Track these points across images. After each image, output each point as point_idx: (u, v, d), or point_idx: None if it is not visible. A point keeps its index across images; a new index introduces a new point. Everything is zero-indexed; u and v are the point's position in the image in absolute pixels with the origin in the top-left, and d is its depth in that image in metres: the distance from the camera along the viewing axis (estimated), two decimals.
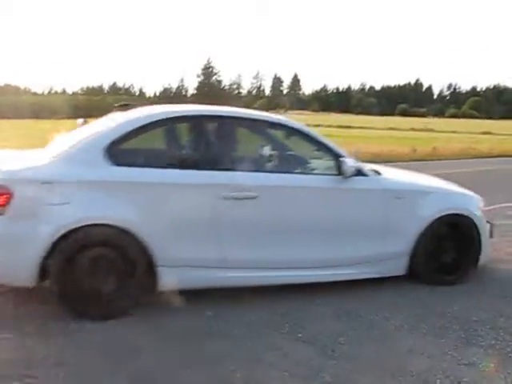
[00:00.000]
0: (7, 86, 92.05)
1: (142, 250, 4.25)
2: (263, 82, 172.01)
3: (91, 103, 70.08)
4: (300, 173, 5.01)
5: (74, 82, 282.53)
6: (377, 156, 16.65)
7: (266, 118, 5.21)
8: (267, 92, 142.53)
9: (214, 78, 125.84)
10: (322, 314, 4.45)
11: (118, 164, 4.32)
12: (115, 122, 4.70)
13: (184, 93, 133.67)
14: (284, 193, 4.73)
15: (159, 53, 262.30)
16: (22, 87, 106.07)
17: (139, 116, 4.75)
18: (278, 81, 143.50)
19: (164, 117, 4.82)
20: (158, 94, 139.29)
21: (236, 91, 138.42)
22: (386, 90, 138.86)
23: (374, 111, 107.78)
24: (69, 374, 3.36)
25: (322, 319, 4.36)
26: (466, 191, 5.79)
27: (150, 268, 4.31)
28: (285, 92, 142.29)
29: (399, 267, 5.15)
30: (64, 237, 4.05)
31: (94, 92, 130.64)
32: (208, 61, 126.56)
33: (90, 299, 4.17)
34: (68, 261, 4.08)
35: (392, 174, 5.62)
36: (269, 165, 5.12)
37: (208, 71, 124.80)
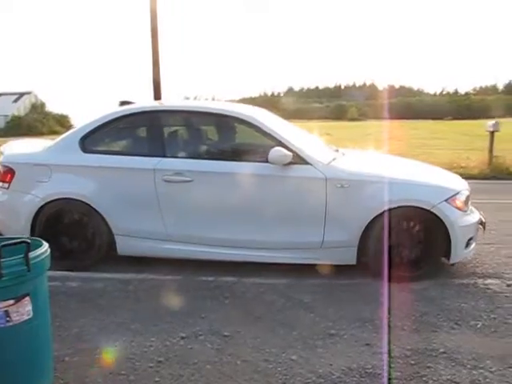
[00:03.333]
0: (401, 87, 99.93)
1: (102, 221, 5.38)
2: None
3: (484, 103, 69.89)
4: (236, 160, 5.33)
5: (467, 82, 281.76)
6: None
7: (213, 110, 5.73)
8: None
9: None
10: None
11: (88, 152, 5.50)
12: (92, 118, 5.73)
13: None
14: (216, 178, 5.25)
15: None
16: (415, 88, 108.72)
17: (107, 112, 5.71)
18: None
19: (124, 113, 5.71)
20: None
21: None
22: None
23: None
24: None
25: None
26: (440, 183, 5.43)
27: (110, 235, 5.42)
28: None
29: (346, 257, 5.17)
30: (46, 205, 5.40)
31: (488, 91, 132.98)
32: None
33: (63, 254, 5.35)
34: (47, 222, 5.43)
35: (349, 161, 5.68)
36: (207, 152, 5.87)
37: None
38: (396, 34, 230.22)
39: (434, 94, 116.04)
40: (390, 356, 3.66)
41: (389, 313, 4.34)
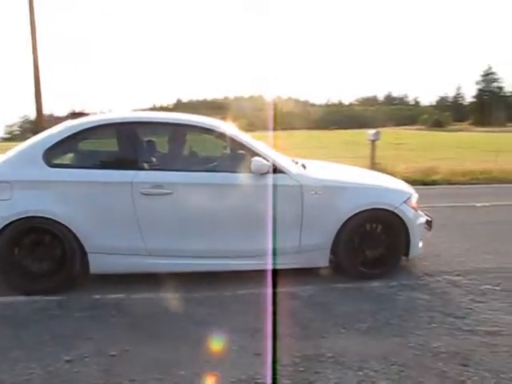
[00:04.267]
0: (289, 99, 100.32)
1: (73, 239, 5.00)
2: None
3: (366, 113, 69.33)
4: (215, 171, 5.41)
5: (350, 93, 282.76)
6: None
7: (189, 122, 5.66)
8: None
9: (494, 85, 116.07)
10: None
11: (54, 166, 5.09)
12: (55, 130, 5.40)
13: (461, 101, 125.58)
14: (196, 189, 5.22)
15: (435, 61, 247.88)
16: (302, 99, 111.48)
17: (72, 124, 5.38)
18: None
19: (92, 125, 5.41)
20: (433, 103, 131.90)
21: None
22: None
23: None
24: None
25: None
26: (397, 186, 6.07)
27: (83, 254, 5.07)
28: None
29: (320, 259, 5.48)
30: (8, 225, 4.91)
31: (369, 102, 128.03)
32: (488, 67, 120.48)
33: (30, 278, 5.06)
34: (11, 245, 4.97)
35: (315, 170, 5.90)
36: (186, 164, 5.66)
37: (488, 78, 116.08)
38: (283, 46, 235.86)
39: (320, 105, 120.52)
40: (279, 364, 3.68)
41: (278, 321, 4.36)
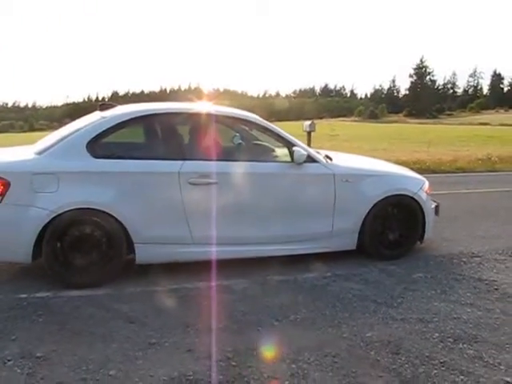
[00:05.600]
0: (226, 91, 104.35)
1: (121, 230, 4.96)
2: (481, 81, 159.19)
3: (303, 105, 67.70)
4: (257, 161, 5.60)
5: (287, 85, 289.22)
6: None
7: (234, 115, 5.96)
8: (485, 90, 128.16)
9: (427, 77, 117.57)
10: None
11: (99, 157, 5.02)
12: (95, 120, 5.32)
13: (395, 93, 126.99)
14: (240, 179, 5.36)
15: (371, 53, 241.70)
16: (240, 91, 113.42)
17: (115, 115, 5.36)
18: (497, 78, 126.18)
19: (136, 115, 5.47)
20: (369, 95, 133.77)
21: (451, 91, 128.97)
22: None
23: None
24: None
25: None
26: (412, 174, 6.70)
27: (130, 244, 5.05)
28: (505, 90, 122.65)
29: (349, 243, 5.83)
30: (56, 218, 4.78)
31: (307, 94, 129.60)
32: (421, 60, 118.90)
33: (76, 271, 4.96)
34: (58, 237, 4.84)
35: (342, 160, 6.26)
36: (230, 154, 5.74)
37: (421, 71, 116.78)
38: (221, 38, 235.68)
39: (258, 97, 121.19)
40: (211, 360, 3.61)
41: (211, 316, 4.30)
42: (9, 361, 3.59)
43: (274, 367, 3.53)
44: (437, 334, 4.04)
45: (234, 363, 3.57)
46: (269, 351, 3.75)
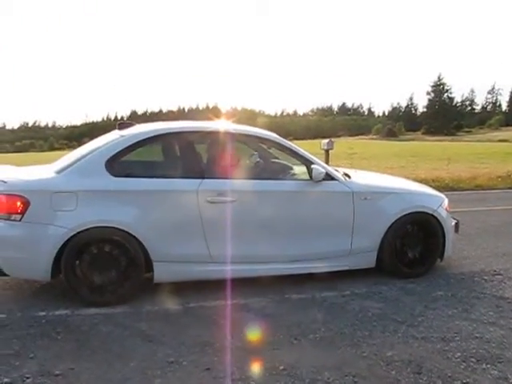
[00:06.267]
0: (244, 109, 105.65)
1: (140, 248, 4.96)
2: (499, 97, 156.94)
3: (321, 124, 69.33)
4: (275, 179, 5.70)
5: (305, 104, 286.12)
6: None
7: (252, 133, 5.96)
8: (504, 107, 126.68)
9: (445, 95, 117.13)
10: None
11: (118, 175, 5.05)
12: (114, 139, 5.34)
13: (413, 111, 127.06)
14: (259, 197, 5.36)
15: (388, 71, 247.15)
16: (257, 110, 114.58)
17: (133, 134, 5.39)
18: None
19: (154, 134, 5.48)
20: (386, 113, 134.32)
21: (469, 108, 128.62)
22: None
23: None
24: None
25: None
26: (431, 191, 6.63)
27: (148, 263, 5.04)
28: None
29: (368, 261, 5.77)
30: (75, 236, 4.81)
31: (324, 113, 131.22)
32: (439, 77, 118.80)
33: (95, 289, 4.96)
34: (76, 256, 4.86)
35: (361, 177, 6.19)
36: (248, 173, 5.81)
37: (438, 88, 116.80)
38: (240, 57, 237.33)
39: (275, 116, 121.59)
40: (230, 379, 3.57)
41: (229, 334, 4.27)
42: (27, 378, 3.59)
43: None
44: (459, 354, 3.96)
45: (252, 382, 3.54)
46: (287, 371, 3.69)
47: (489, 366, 3.79)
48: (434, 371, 3.69)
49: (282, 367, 3.74)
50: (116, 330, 4.41)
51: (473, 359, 3.88)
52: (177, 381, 3.56)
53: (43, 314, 4.74)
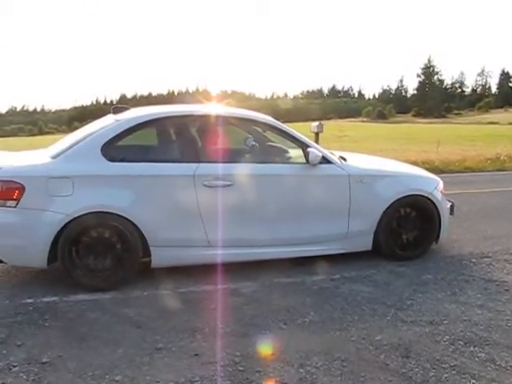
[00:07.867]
0: (234, 92, 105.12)
1: (137, 233, 4.94)
2: (489, 80, 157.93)
3: (311, 106, 69.30)
4: (271, 162, 5.64)
5: (295, 87, 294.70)
6: None
7: (250, 117, 5.92)
8: (493, 89, 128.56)
9: (435, 77, 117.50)
10: None
11: (114, 160, 5.00)
12: (109, 123, 5.31)
13: (403, 93, 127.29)
14: (255, 180, 5.33)
15: (379, 53, 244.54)
16: (247, 93, 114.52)
17: (129, 118, 5.34)
18: (506, 77, 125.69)
19: (150, 118, 5.45)
20: (376, 95, 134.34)
21: (459, 90, 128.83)
22: None
23: None
24: None
25: None
26: (426, 173, 6.64)
27: (145, 248, 5.02)
28: None
29: (365, 244, 5.79)
30: (72, 221, 4.77)
31: (314, 95, 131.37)
32: (429, 60, 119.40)
33: (92, 274, 4.95)
34: (73, 241, 4.82)
35: (356, 161, 6.19)
36: (244, 156, 5.82)
37: (428, 70, 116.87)
38: (228, 40, 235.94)
39: (265, 98, 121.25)
40: (219, 365, 3.56)
41: (218, 319, 4.26)
42: (14, 367, 3.56)
43: (282, 372, 3.48)
44: (447, 337, 3.98)
45: (241, 368, 3.53)
46: (276, 355, 3.69)
47: (476, 348, 3.81)
48: (423, 355, 3.70)
49: (270, 352, 3.73)
50: (104, 317, 4.38)
51: (461, 342, 3.90)
52: (165, 367, 3.55)
53: (31, 301, 4.70)
